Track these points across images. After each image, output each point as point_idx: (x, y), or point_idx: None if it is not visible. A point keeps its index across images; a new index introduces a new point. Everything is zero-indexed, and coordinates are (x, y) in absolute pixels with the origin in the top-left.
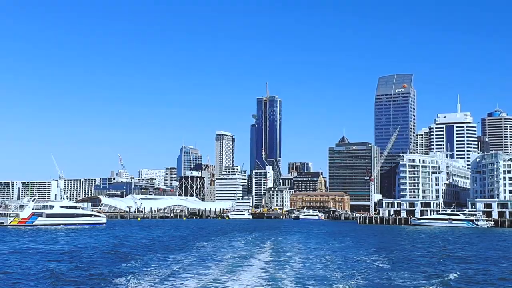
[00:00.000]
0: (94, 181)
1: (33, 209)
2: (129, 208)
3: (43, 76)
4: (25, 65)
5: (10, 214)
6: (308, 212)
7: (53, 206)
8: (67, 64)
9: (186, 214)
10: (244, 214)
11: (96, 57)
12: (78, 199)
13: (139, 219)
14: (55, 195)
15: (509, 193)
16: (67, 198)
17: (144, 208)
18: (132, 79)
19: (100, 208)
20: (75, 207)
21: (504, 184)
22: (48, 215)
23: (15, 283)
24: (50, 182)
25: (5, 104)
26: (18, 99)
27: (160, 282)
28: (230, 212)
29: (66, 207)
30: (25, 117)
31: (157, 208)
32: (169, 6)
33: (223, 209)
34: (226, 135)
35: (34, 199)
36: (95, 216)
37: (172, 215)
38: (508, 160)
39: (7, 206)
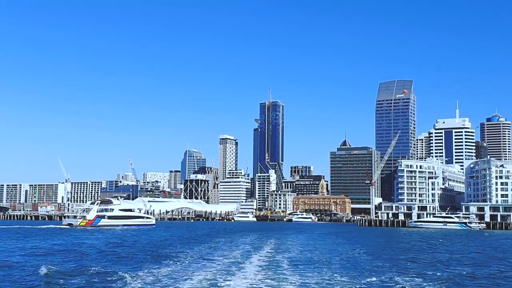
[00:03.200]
0: (101, 184)
1: (97, 212)
2: (140, 211)
3: (46, 78)
4: (30, 67)
5: (78, 216)
6: (301, 214)
7: (113, 209)
8: (70, 66)
9: (193, 216)
10: (248, 217)
11: (100, 59)
12: (91, 201)
13: None
14: (62, 197)
15: (501, 197)
16: (123, 202)
17: (153, 210)
18: (136, 82)
19: None
20: (130, 210)
21: (496, 189)
22: (109, 217)
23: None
24: (57, 184)
25: (10, 105)
26: (23, 101)
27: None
28: (235, 214)
29: (124, 210)
30: (31, 119)
31: (165, 210)
32: (171, 8)
33: (228, 212)
34: (230, 139)
35: (98, 203)
36: (146, 218)
37: (179, 217)
38: (500, 166)
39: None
